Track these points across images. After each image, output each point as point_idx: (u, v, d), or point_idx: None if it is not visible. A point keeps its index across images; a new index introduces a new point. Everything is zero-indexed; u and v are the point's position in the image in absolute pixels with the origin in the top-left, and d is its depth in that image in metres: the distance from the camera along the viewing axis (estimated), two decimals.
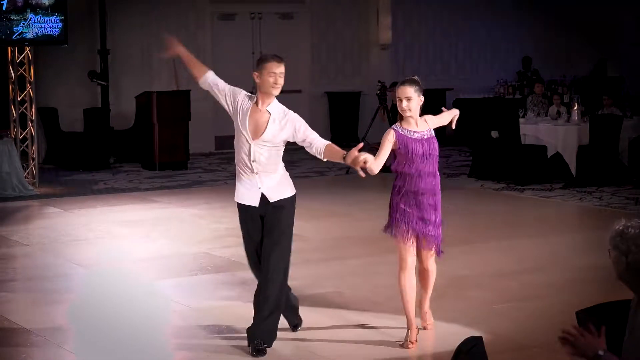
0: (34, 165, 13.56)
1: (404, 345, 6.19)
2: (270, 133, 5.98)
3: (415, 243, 6.17)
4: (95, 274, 8.48)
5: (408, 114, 6.10)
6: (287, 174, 6.23)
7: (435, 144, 6.16)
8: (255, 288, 6.18)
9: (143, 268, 8.63)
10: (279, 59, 5.99)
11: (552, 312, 6.96)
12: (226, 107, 6.15)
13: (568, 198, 12.11)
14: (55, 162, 15.77)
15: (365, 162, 5.73)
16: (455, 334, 6.15)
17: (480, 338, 3.68)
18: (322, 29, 18.63)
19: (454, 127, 6.58)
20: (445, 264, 8.29)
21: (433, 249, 6.25)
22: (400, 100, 6.09)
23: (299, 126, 6.02)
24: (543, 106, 14.70)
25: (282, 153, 6.13)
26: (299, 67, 18.00)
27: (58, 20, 13.35)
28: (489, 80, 19.07)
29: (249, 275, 8.17)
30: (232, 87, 6.19)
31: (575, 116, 13.41)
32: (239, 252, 9.09)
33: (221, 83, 6.17)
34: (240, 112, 6.03)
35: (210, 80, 6.17)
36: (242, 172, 6.09)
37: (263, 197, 6.04)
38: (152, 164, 15.27)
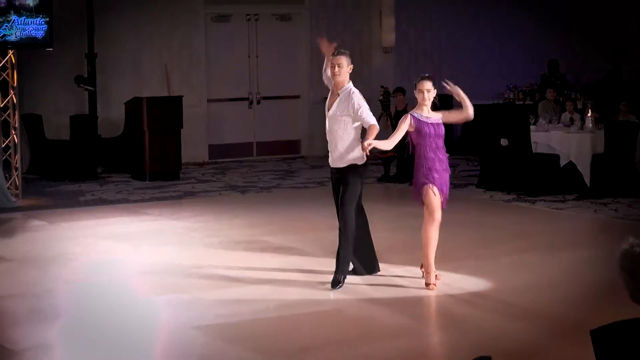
0: (17, 175, 13.56)
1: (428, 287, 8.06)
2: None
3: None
4: (82, 290, 8.48)
5: (427, 103, 8.14)
6: None
7: (443, 127, 8.21)
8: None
9: (132, 284, 8.63)
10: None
11: (564, 330, 6.96)
12: None
13: (582, 210, 12.10)
14: (40, 172, 15.78)
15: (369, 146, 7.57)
16: (464, 351, 6.15)
17: (489, 358, 3.67)
18: (322, 31, 18.64)
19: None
20: (453, 278, 8.32)
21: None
22: (422, 92, 8.16)
23: None
24: (555, 113, 14.70)
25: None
26: (297, 71, 18.01)
27: (43, 22, 13.37)
28: (496, 85, 19.05)
29: (242, 291, 8.19)
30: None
31: (589, 123, 13.40)
32: (234, 265, 9.12)
33: None
34: None
35: None
36: None
37: None
38: (142, 174, 15.28)
